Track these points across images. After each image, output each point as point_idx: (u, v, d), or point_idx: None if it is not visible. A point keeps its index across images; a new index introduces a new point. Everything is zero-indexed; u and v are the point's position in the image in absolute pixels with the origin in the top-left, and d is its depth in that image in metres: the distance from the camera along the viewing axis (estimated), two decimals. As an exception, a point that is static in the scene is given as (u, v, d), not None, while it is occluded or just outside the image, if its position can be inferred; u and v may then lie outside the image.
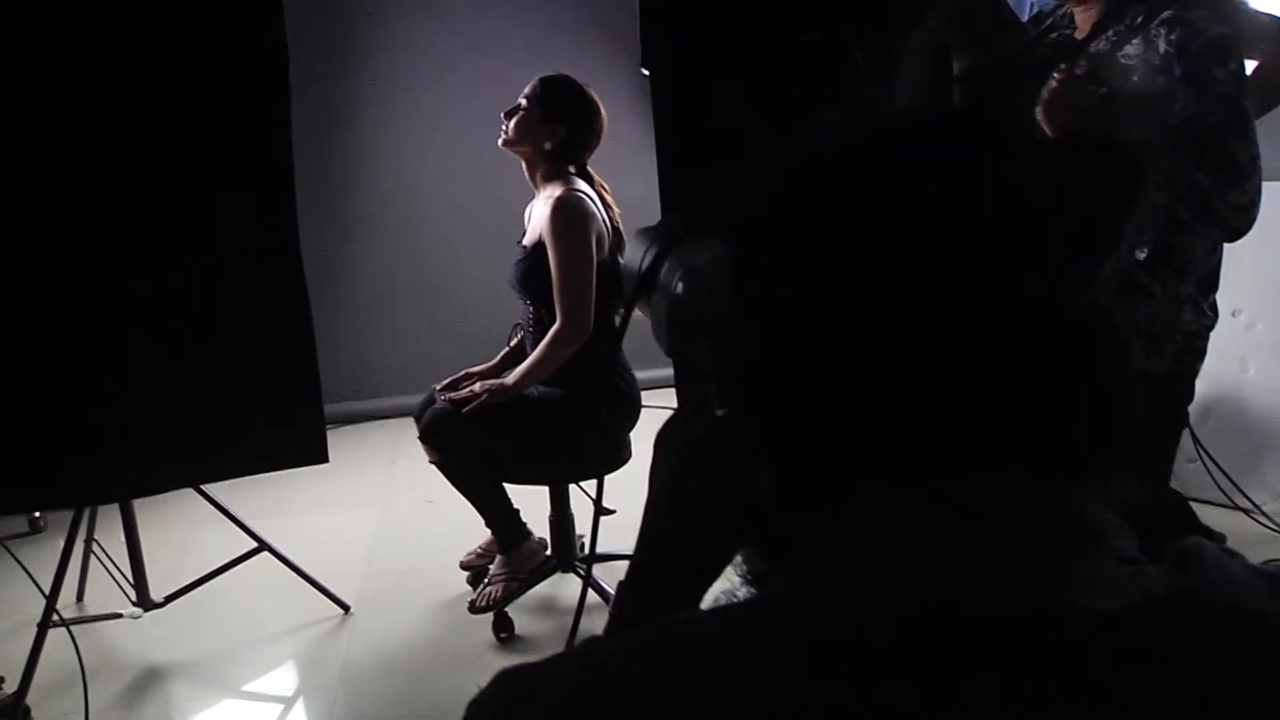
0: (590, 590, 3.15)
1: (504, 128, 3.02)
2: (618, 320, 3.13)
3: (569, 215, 2.91)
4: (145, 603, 3.02)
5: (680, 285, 0.87)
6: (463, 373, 3.23)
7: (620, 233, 3.08)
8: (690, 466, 0.82)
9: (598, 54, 4.69)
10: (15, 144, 2.59)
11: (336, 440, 3.14)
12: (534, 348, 3.04)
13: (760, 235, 0.62)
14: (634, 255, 0.96)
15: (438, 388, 3.15)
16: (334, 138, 4.95)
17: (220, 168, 2.78)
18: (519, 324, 3.20)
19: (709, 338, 0.77)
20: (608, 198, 3.09)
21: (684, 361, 0.86)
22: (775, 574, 0.70)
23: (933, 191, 0.57)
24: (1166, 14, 2.23)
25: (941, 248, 0.56)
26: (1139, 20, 2.27)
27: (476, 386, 2.99)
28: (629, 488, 3.16)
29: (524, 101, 3.02)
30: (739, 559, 0.73)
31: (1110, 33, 2.33)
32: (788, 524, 0.64)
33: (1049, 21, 2.59)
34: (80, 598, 3.32)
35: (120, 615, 2.98)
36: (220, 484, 3.11)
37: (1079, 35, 2.40)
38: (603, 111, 3.06)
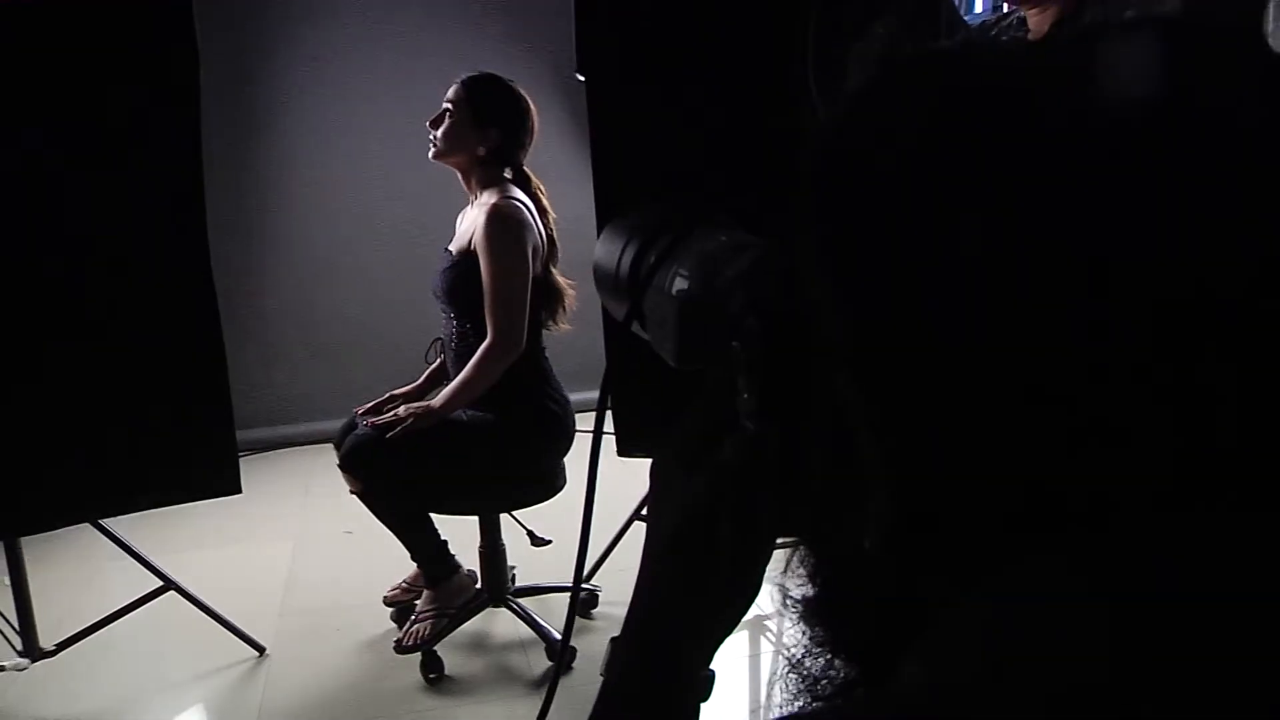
0: (526, 625, 3.00)
1: (431, 138, 2.84)
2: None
3: (504, 225, 2.75)
4: (33, 651, 2.79)
5: (687, 279, 0.72)
6: (386, 395, 3.07)
7: (554, 241, 2.93)
8: (720, 501, 0.66)
9: (517, 61, 4.56)
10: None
11: (247, 469, 2.95)
12: (455, 364, 2.90)
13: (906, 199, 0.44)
14: (609, 252, 0.82)
15: (359, 411, 2.97)
16: (245, 152, 4.75)
17: (124, 181, 2.63)
18: (439, 338, 3.02)
19: (738, 338, 0.62)
20: (544, 202, 2.94)
21: (699, 369, 0.71)
22: (860, 669, 0.54)
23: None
24: (1127, 15, 2.16)
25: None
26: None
27: (400, 410, 2.82)
28: (563, 517, 3.09)
29: (450, 107, 2.84)
30: (806, 659, 0.56)
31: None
32: (905, 589, 0.48)
33: (995, 30, 2.53)
34: (-45, 648, 3.05)
35: (3, 668, 2.74)
36: (120, 517, 2.88)
37: (1033, 38, 2.33)
38: (533, 107, 2.91)
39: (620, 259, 0.80)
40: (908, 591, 0.48)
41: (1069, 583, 0.41)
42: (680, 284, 0.73)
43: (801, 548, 0.59)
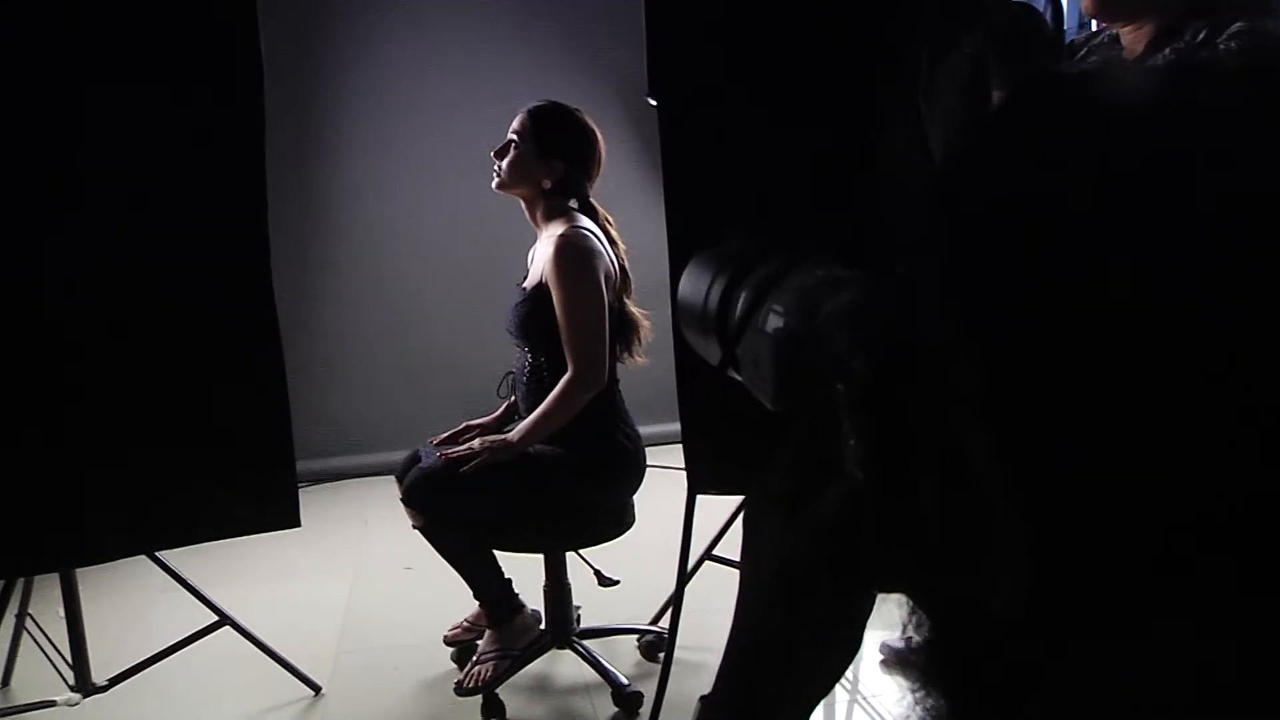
0: (591, 668, 2.91)
1: (495, 169, 2.81)
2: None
3: (574, 255, 2.69)
4: (86, 687, 2.74)
5: (782, 316, 0.69)
6: (463, 425, 3.01)
7: (626, 271, 2.86)
8: (821, 553, 0.63)
9: (581, 83, 4.52)
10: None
11: (305, 501, 2.89)
12: (526, 398, 2.84)
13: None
14: (695, 288, 0.78)
15: (434, 441, 2.93)
16: (309, 179, 4.76)
17: (188, 207, 2.62)
18: (510, 372, 2.95)
19: (843, 380, 0.57)
20: (613, 233, 2.88)
21: (798, 412, 0.67)
22: None
23: None
24: (1237, 26, 2.03)
25: None
26: (1202, 36, 2.08)
27: (476, 444, 2.74)
28: (631, 556, 2.99)
29: (515, 138, 2.79)
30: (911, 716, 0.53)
31: (1168, 52, 2.13)
32: (1035, 651, 0.44)
33: (1084, 49, 2.42)
34: (6, 683, 3.02)
35: (54, 703, 2.69)
36: (176, 549, 2.84)
37: (1128, 56, 2.21)
38: (600, 138, 2.84)
39: (708, 295, 0.77)
40: (1036, 651, 0.46)
41: (1205, 647, 0.39)
42: (775, 321, 0.69)
43: (909, 603, 0.56)
